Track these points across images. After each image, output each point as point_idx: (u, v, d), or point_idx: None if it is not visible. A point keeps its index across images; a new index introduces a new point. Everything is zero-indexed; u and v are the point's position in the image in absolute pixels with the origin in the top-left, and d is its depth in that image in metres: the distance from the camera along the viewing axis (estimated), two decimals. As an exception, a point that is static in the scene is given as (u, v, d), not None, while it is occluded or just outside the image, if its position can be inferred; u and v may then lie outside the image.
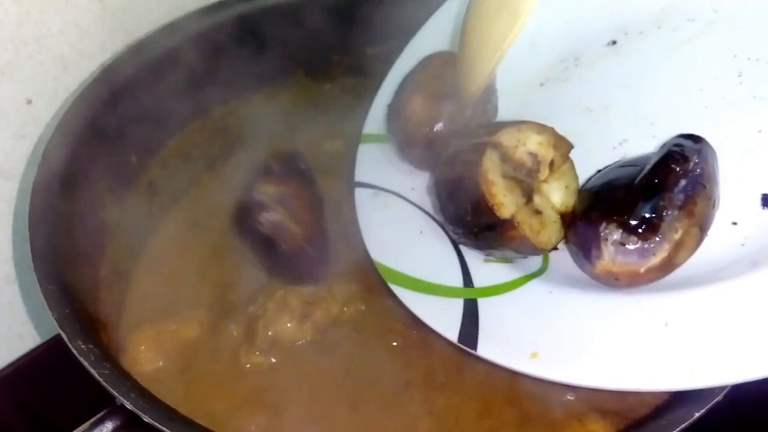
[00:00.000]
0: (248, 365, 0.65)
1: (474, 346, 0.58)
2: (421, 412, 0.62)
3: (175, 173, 0.79)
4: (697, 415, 0.49)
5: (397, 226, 0.68)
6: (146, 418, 0.47)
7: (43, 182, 0.60)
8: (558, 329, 0.56)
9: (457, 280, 0.62)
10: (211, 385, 0.63)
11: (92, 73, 0.73)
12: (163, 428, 0.47)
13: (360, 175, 0.73)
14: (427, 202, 0.68)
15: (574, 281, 0.59)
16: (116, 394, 0.48)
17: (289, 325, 0.67)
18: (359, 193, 0.72)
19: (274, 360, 0.65)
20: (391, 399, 0.63)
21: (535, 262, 0.62)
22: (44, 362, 0.77)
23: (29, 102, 0.74)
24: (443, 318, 0.60)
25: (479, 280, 0.62)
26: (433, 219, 0.66)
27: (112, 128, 0.69)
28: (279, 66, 0.83)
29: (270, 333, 0.66)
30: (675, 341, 0.52)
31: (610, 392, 0.54)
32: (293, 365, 0.65)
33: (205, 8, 0.78)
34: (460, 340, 0.59)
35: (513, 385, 0.62)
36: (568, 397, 0.61)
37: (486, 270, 0.62)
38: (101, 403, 0.53)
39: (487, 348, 0.57)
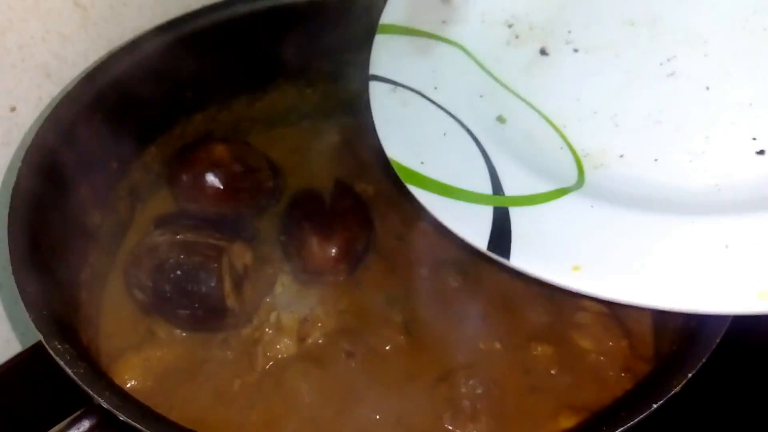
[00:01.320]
0: (248, 388, 0.66)
1: (507, 255, 0.54)
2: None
3: (157, 179, 0.81)
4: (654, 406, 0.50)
5: (418, 126, 0.64)
6: (121, 416, 0.48)
7: (23, 186, 0.61)
8: (604, 243, 0.53)
9: (485, 187, 0.59)
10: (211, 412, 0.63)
11: (74, 79, 0.74)
12: (137, 425, 0.48)
13: (376, 67, 0.68)
14: (452, 103, 0.64)
15: (616, 198, 0.56)
16: (90, 392, 0.49)
17: (288, 346, 0.68)
18: (374, 87, 0.67)
19: (275, 381, 0.66)
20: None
21: (569, 174, 0.60)
22: (28, 367, 0.78)
23: (13, 109, 0.75)
24: (470, 224, 0.57)
25: (510, 188, 0.59)
26: (459, 122, 0.63)
27: (93, 134, 0.70)
28: (258, 72, 0.85)
29: (269, 354, 0.67)
30: (738, 263, 0.50)
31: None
32: (295, 383, 0.66)
33: (186, 15, 0.79)
34: (489, 248, 0.55)
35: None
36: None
37: (518, 179, 0.59)
38: (81, 405, 0.54)
39: (521, 258, 0.54)
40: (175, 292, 0.67)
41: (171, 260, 0.67)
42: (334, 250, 0.72)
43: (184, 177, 0.75)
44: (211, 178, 0.75)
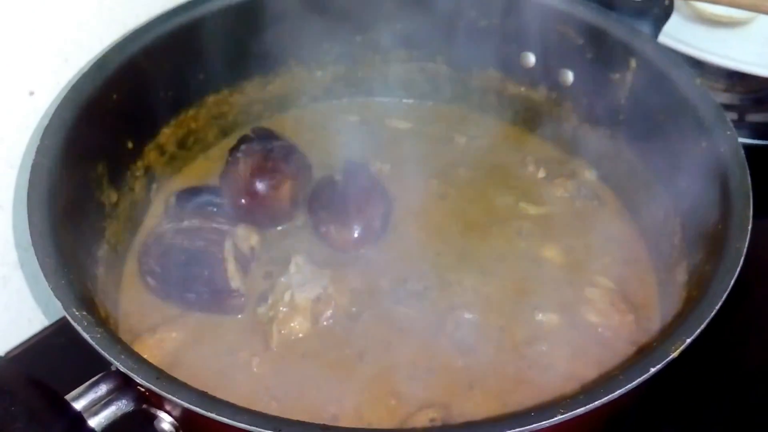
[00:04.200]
0: (263, 365, 0.67)
1: None
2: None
3: (172, 160, 0.82)
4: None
5: None
6: (137, 378, 0.50)
7: (42, 163, 0.63)
8: None
9: None
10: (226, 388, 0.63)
11: (89, 62, 0.75)
12: (152, 387, 0.49)
13: None
14: None
15: None
16: (108, 356, 0.51)
17: (303, 324, 0.69)
18: None
19: (290, 358, 0.68)
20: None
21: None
22: (50, 341, 0.81)
23: (31, 93, 0.76)
24: None
25: None
26: None
27: (109, 114, 0.72)
28: (270, 54, 0.86)
29: (283, 332, 0.69)
30: None
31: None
32: (309, 360, 0.68)
33: (199, -1, 0.81)
34: None
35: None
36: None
37: None
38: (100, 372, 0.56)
39: None
40: (182, 276, 0.70)
41: (176, 246, 0.70)
42: (352, 234, 0.75)
43: (259, 185, 0.76)
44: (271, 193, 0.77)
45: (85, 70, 0.73)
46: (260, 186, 0.75)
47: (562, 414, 0.48)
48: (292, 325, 0.69)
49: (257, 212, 0.76)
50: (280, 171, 0.77)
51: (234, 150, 0.78)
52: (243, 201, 0.75)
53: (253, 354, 0.68)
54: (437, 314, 0.72)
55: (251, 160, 0.76)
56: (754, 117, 1.07)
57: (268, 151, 0.77)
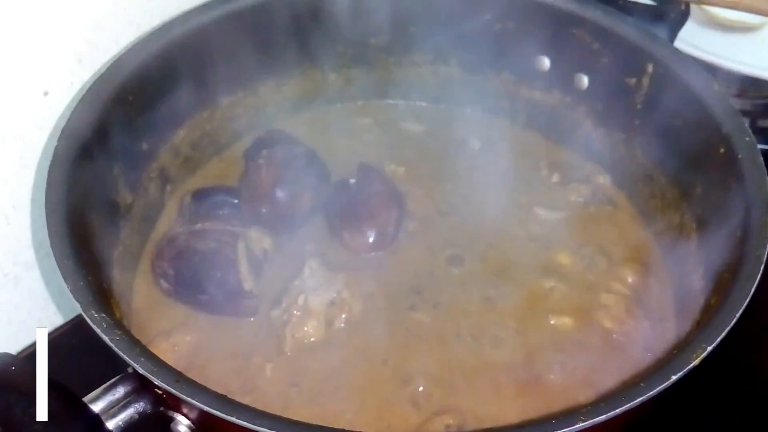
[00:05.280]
0: (277, 370, 0.67)
1: None
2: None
3: (186, 161, 0.82)
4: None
5: None
6: (156, 381, 0.50)
7: (59, 164, 0.63)
8: None
9: None
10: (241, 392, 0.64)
11: (105, 64, 0.75)
12: (171, 389, 0.49)
13: None
14: None
15: None
16: (126, 358, 0.51)
17: (318, 329, 0.69)
18: None
19: (303, 362, 0.67)
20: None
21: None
22: (64, 341, 0.81)
23: (46, 94, 0.77)
24: None
25: None
26: None
27: (124, 117, 0.71)
28: (285, 57, 0.86)
29: (297, 336, 0.69)
30: None
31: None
32: (323, 365, 0.67)
33: (213, 1, 0.80)
34: None
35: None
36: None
37: None
38: (117, 374, 0.56)
39: None
40: (195, 278, 0.70)
41: (189, 248, 0.70)
42: (366, 239, 0.76)
43: (280, 194, 0.76)
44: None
45: (102, 71, 0.72)
46: (282, 195, 0.75)
47: (583, 421, 0.48)
48: (306, 329, 0.69)
49: (276, 220, 0.76)
50: (302, 181, 0.77)
51: (255, 155, 0.77)
52: (264, 210, 0.75)
53: (267, 359, 0.68)
54: (452, 320, 0.71)
55: (273, 169, 0.76)
56: (766, 123, 1.07)
57: (290, 159, 0.77)
